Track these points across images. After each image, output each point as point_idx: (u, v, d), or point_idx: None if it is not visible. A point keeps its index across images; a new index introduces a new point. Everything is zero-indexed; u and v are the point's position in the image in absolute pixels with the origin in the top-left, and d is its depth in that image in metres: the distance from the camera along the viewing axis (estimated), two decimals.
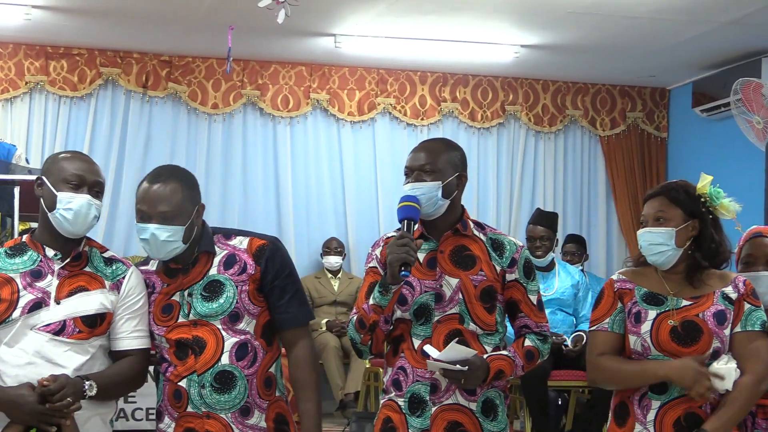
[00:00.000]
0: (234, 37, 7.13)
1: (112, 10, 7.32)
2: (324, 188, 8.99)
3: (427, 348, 3.28)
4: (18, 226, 5.13)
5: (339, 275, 8.54)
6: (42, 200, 3.27)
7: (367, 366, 7.55)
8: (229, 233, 3.41)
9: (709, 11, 6.90)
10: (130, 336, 3.31)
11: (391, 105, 9.06)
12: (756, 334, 3.31)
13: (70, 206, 3.21)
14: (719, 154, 8.64)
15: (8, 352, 3.19)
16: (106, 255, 3.38)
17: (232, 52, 7.26)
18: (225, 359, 3.25)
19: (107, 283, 3.30)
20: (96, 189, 3.29)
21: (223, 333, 3.26)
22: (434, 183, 3.35)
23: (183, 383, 3.27)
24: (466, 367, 3.21)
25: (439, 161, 3.38)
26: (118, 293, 3.30)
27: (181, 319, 3.29)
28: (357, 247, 8.79)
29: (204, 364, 3.25)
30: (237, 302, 3.27)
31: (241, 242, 3.36)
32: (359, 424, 6.74)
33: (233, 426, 3.26)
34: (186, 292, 3.30)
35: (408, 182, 3.38)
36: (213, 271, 3.31)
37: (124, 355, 3.31)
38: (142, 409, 6.52)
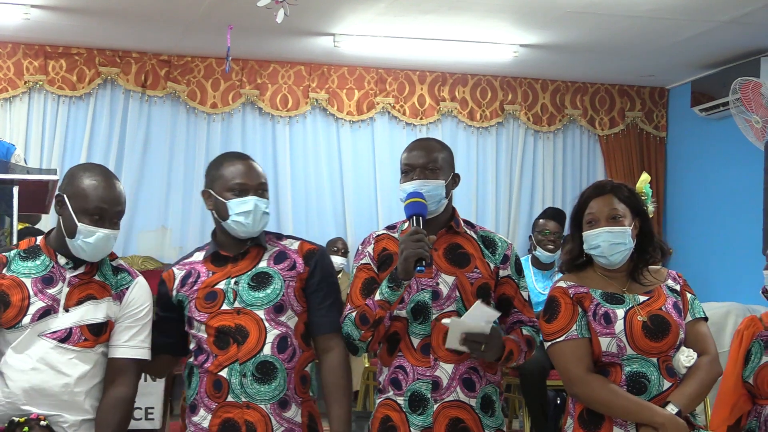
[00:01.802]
0: (233, 36, 7.13)
1: (111, 10, 7.32)
2: (323, 187, 8.99)
3: (446, 320, 3.26)
4: (17, 226, 5.12)
5: (339, 275, 8.55)
6: (61, 219, 3.28)
7: (366, 365, 7.54)
8: (280, 235, 3.51)
9: (708, 10, 6.90)
10: (126, 345, 3.32)
11: (390, 104, 9.05)
12: (700, 320, 3.43)
13: (89, 240, 3.23)
14: (718, 153, 8.65)
15: (15, 357, 3.22)
16: (114, 263, 3.41)
17: (231, 52, 7.25)
18: (267, 350, 3.28)
19: (113, 293, 3.33)
20: (116, 219, 3.29)
21: (266, 324, 3.30)
22: (440, 181, 3.39)
23: (224, 372, 3.28)
24: (488, 332, 3.22)
25: (440, 160, 3.43)
26: (120, 303, 3.33)
27: (225, 307, 3.31)
28: (356, 246, 8.75)
29: (247, 353, 3.27)
30: (284, 295, 3.33)
31: (291, 243, 3.45)
32: (358, 424, 6.74)
33: (272, 417, 3.28)
34: (233, 281, 3.34)
35: (410, 179, 3.40)
36: (263, 264, 3.37)
37: (120, 363, 3.31)
38: (141, 408, 6.51)
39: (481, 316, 3.21)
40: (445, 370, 3.34)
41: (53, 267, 3.29)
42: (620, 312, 3.32)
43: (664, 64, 8.60)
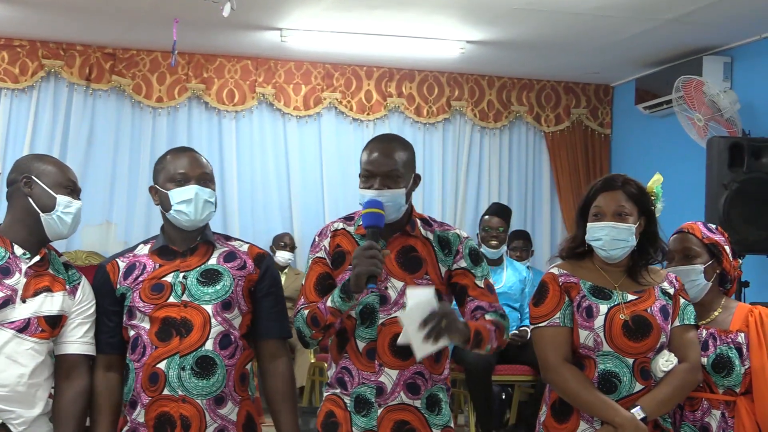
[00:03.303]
0: (179, 30, 7.08)
1: (55, 1, 7.22)
2: (269, 183, 8.96)
3: (399, 313, 3.20)
4: None
5: (285, 270, 8.52)
6: (30, 199, 3.31)
7: (312, 361, 7.54)
8: (228, 237, 3.53)
9: (652, 9, 6.97)
10: (80, 341, 3.33)
11: (336, 100, 9.04)
12: (690, 327, 3.45)
13: (69, 210, 3.32)
14: (661, 150, 8.74)
15: None
16: (61, 260, 3.43)
17: (177, 46, 7.20)
18: (209, 345, 3.27)
19: (67, 287, 3.34)
20: (79, 196, 3.42)
21: (212, 319, 3.29)
22: (400, 190, 3.34)
23: (162, 365, 3.26)
24: (435, 315, 3.03)
25: (401, 166, 3.35)
26: (74, 298, 3.34)
27: (172, 299, 3.30)
28: (302, 242, 8.76)
29: (188, 346, 3.26)
30: (232, 292, 3.33)
31: (241, 245, 3.47)
32: (303, 419, 6.73)
33: (207, 412, 3.26)
34: (181, 275, 3.33)
35: (370, 187, 3.33)
36: (212, 261, 3.38)
37: (74, 359, 3.32)
38: None
39: (420, 296, 3.11)
40: (389, 376, 3.32)
41: (9, 258, 3.28)
42: (603, 307, 3.36)
43: (609, 62, 8.67)
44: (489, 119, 9.41)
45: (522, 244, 7.95)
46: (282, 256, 8.49)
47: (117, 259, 3.46)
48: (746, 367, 3.54)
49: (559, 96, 9.59)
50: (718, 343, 3.58)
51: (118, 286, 3.38)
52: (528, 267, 7.39)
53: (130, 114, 8.64)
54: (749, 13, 7.04)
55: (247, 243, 3.50)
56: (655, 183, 3.59)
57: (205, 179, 3.39)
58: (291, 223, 8.95)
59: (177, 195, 3.34)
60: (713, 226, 3.76)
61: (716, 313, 3.68)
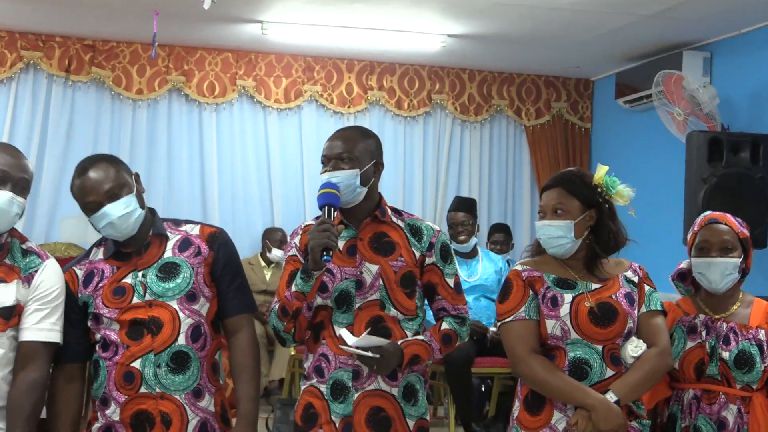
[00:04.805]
0: (159, 21, 7.05)
1: None
2: (250, 175, 8.95)
3: (343, 332, 3.32)
4: None
5: (273, 265, 8.50)
6: None
7: (292, 353, 7.54)
8: (178, 221, 3.48)
9: (632, 4, 6.99)
10: (35, 327, 3.23)
11: (317, 93, 9.03)
12: (657, 312, 3.47)
13: None
14: (641, 144, 8.78)
15: None
16: (24, 246, 3.34)
17: (157, 38, 7.18)
18: (182, 340, 3.28)
19: (22, 275, 3.25)
20: (21, 185, 3.25)
21: (180, 314, 3.28)
22: (352, 171, 3.39)
23: (136, 364, 3.25)
24: (378, 355, 3.25)
25: (356, 149, 3.43)
26: (29, 286, 3.25)
27: (135, 300, 3.28)
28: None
29: (162, 343, 3.25)
30: (194, 283, 3.32)
31: (192, 229, 3.44)
32: (284, 411, 6.75)
33: (187, 407, 3.27)
34: (140, 274, 3.31)
35: (326, 170, 3.42)
36: (168, 254, 3.35)
37: (29, 347, 3.23)
38: None
39: (368, 344, 3.27)
40: None
41: None
42: (568, 296, 3.38)
43: (589, 56, 8.70)
44: (470, 113, 9.43)
45: (502, 238, 7.97)
46: (276, 254, 8.41)
47: (74, 268, 3.41)
48: (766, 364, 3.57)
49: (540, 90, 9.61)
50: (739, 339, 3.60)
51: (80, 295, 3.35)
52: (508, 261, 7.41)
53: (109, 106, 8.61)
54: (728, 8, 7.07)
55: (198, 224, 3.47)
56: (600, 175, 3.60)
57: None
58: (272, 216, 8.94)
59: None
60: (740, 220, 3.78)
61: (735, 307, 3.70)
